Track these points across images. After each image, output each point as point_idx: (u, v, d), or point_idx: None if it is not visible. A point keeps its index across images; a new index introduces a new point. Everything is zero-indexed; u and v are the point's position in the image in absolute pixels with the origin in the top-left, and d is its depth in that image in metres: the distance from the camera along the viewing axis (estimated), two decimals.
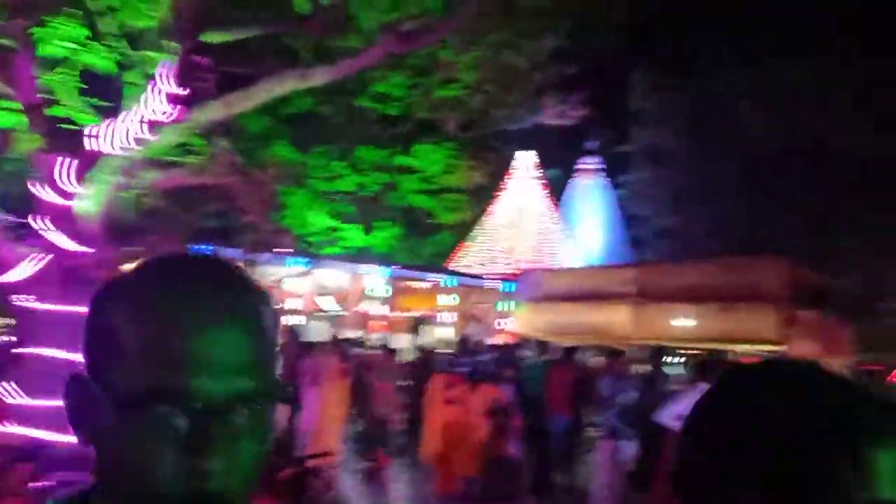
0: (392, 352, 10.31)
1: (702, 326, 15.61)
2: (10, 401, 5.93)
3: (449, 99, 26.22)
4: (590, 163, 28.14)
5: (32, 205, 6.74)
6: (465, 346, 12.37)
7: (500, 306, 20.71)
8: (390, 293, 19.68)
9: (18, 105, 6.37)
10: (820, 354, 13.39)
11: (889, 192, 20.03)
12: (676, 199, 24.87)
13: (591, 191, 27.82)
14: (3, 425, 5.96)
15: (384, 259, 21.78)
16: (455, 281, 20.81)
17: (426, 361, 12.61)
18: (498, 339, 14.50)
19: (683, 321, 15.76)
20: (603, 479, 7.16)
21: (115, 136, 5.53)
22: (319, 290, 20.35)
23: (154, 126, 5.78)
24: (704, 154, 23.97)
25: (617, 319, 16.90)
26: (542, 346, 9.73)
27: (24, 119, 6.33)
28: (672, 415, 5.80)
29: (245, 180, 7.04)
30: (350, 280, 19.75)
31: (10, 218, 6.85)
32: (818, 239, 21.00)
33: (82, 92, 6.76)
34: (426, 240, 25.00)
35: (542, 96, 23.71)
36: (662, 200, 25.53)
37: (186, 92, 5.51)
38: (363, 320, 19.84)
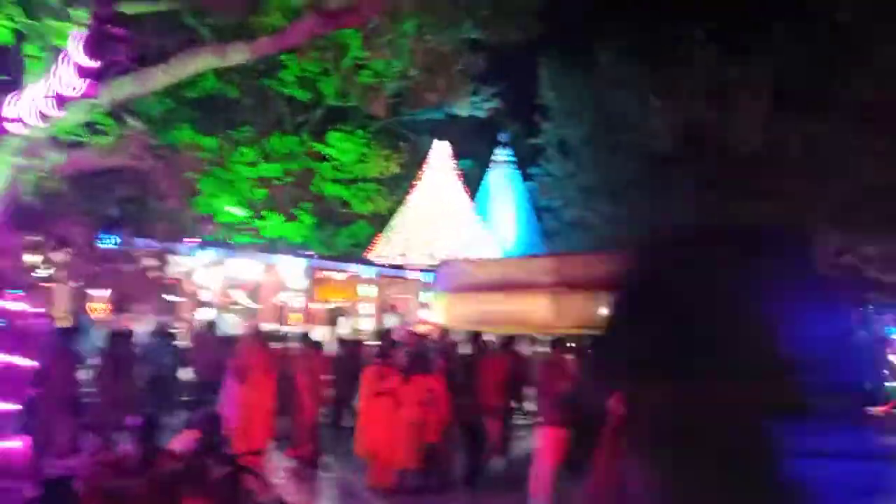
0: (315, 344, 9.97)
1: None
2: None
3: (360, 86, 25.89)
4: (502, 155, 28.41)
5: None
6: (389, 338, 12.17)
7: (420, 297, 20.59)
8: (308, 284, 19.17)
9: None
10: None
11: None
12: (584, 192, 25.46)
13: (504, 183, 28.09)
14: None
15: (300, 249, 21.21)
16: (374, 271, 20.51)
17: (353, 354, 12.36)
18: (419, 330, 14.36)
19: (603, 308, 16.11)
20: (538, 467, 7.16)
21: (17, 112, 4.99)
22: (231, 281, 19.60)
23: (63, 101, 5.26)
24: (610, 148, 24.57)
25: (538, 309, 17.14)
26: (476, 337, 9.64)
27: None
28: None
29: (158, 163, 6.56)
30: (264, 271, 19.11)
31: None
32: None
33: None
34: (341, 230, 24.52)
35: (457, 85, 23.75)
36: (571, 193, 26.08)
37: (98, 65, 5.03)
38: (279, 313, 19.26)
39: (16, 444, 5.94)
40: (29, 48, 6.36)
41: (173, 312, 15.36)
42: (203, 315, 16.17)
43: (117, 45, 4.99)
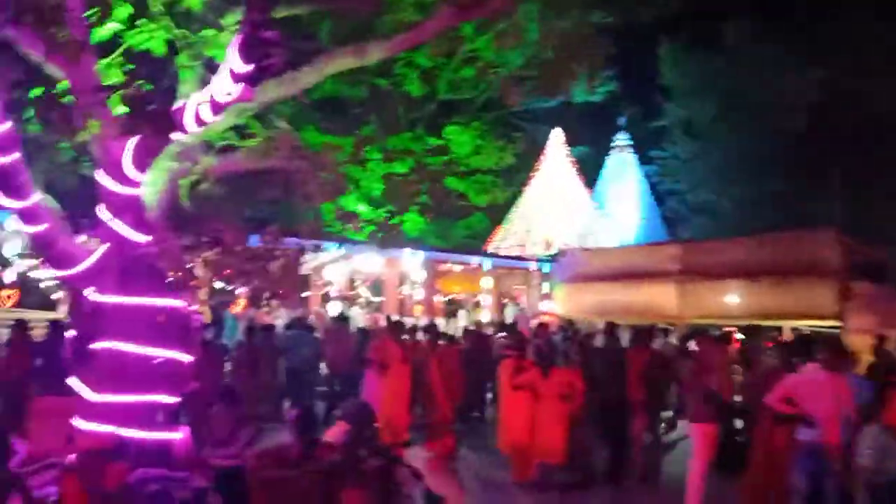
0: (448, 337, 10.00)
1: (753, 302, 15.17)
2: (89, 398, 5.71)
3: (473, 78, 25.83)
4: (621, 139, 27.56)
5: (94, 195, 6.50)
6: (516, 329, 12.05)
7: (540, 287, 20.37)
8: (428, 277, 19.37)
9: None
10: (876, 327, 12.99)
11: None
12: (713, 173, 24.28)
13: (622, 168, 27.27)
14: (82, 423, 5.75)
15: (418, 243, 21.46)
16: (493, 263, 20.46)
17: (480, 346, 12.31)
18: (545, 321, 14.13)
19: (733, 297, 15.32)
20: (688, 464, 6.83)
21: (151, 122, 5.22)
22: (355, 275, 20.13)
23: (219, 107, 5.45)
24: (740, 128, 23.36)
25: (662, 298, 16.52)
26: (611, 328, 9.33)
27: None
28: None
29: (308, 164, 6.71)
30: (386, 265, 19.47)
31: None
32: (860, 212, 20.42)
33: (134, 76, 6.45)
34: (459, 223, 24.64)
35: (580, 71, 23.14)
36: (697, 176, 24.94)
37: (251, 69, 5.17)
38: (401, 305, 19.59)
39: (178, 435, 6.25)
40: (181, 58, 6.66)
41: (305, 307, 15.93)
42: (332, 309, 16.69)
43: (270, 49, 5.10)
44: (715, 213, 24.72)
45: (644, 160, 27.57)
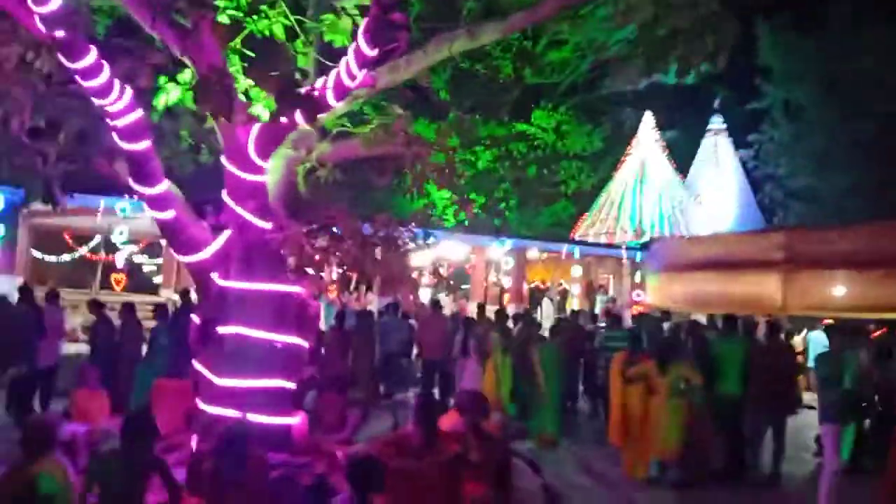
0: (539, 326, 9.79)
1: (864, 294, 14.27)
2: (215, 381, 5.81)
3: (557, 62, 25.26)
4: (716, 122, 26.44)
5: (211, 182, 6.62)
6: (613, 318, 11.71)
7: (630, 276, 19.84)
8: (514, 265, 19.18)
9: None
10: None
11: None
12: (815, 158, 23.00)
13: (717, 152, 26.17)
14: (205, 406, 5.87)
15: (504, 231, 21.26)
16: (581, 251, 20.06)
17: (575, 336, 12.04)
18: (641, 311, 13.73)
19: (842, 289, 14.44)
20: (824, 465, 6.44)
21: (300, 107, 5.18)
22: (441, 263, 20.14)
23: (343, 92, 5.42)
24: (843, 112, 22.05)
25: (765, 288, 15.76)
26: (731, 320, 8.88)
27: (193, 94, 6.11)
28: None
29: (423, 150, 6.62)
30: (472, 252, 19.39)
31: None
32: None
33: (252, 62, 6.50)
34: (544, 210, 24.25)
35: (664, 53, 22.33)
36: (799, 160, 23.68)
37: (377, 53, 5.10)
38: (488, 293, 19.48)
39: (296, 419, 6.31)
40: (298, 44, 6.68)
41: (405, 293, 15.99)
42: (422, 296, 16.73)
43: (398, 33, 5.02)
44: (815, 200, 23.46)
45: (739, 144, 26.40)
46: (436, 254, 19.64)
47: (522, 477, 6.09)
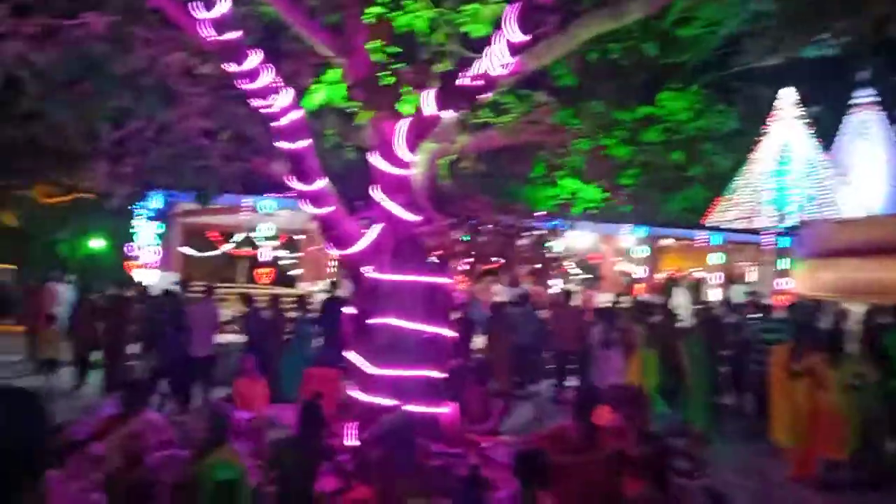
0: (707, 316, 9.33)
1: None
2: (368, 371, 5.94)
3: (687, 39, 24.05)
4: (863, 96, 24.33)
5: (356, 178, 6.77)
6: (764, 308, 11.00)
7: (773, 263, 18.66)
8: (647, 253, 18.51)
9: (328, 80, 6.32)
10: None
11: None
12: None
13: (865, 128, 24.08)
14: (360, 394, 6.02)
15: (633, 217, 20.54)
16: (719, 237, 19.06)
17: (716, 328, 11.43)
18: (796, 300, 12.83)
19: None
20: None
21: (446, 99, 5.16)
22: (572, 252, 19.77)
23: (491, 82, 5.34)
24: None
25: None
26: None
27: (349, 92, 6.24)
28: None
29: (569, 138, 6.47)
30: (602, 241, 18.90)
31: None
32: None
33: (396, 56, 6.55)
34: (676, 195, 23.25)
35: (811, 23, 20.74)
36: None
37: (528, 38, 4.98)
38: (620, 283, 18.94)
39: (446, 410, 6.33)
40: (438, 36, 6.67)
41: (538, 283, 15.84)
42: (553, 287, 16.48)
43: (547, 17, 4.89)
44: None
45: (893, 119, 24.14)
46: (564, 243, 19.29)
47: (680, 475, 5.81)
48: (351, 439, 5.60)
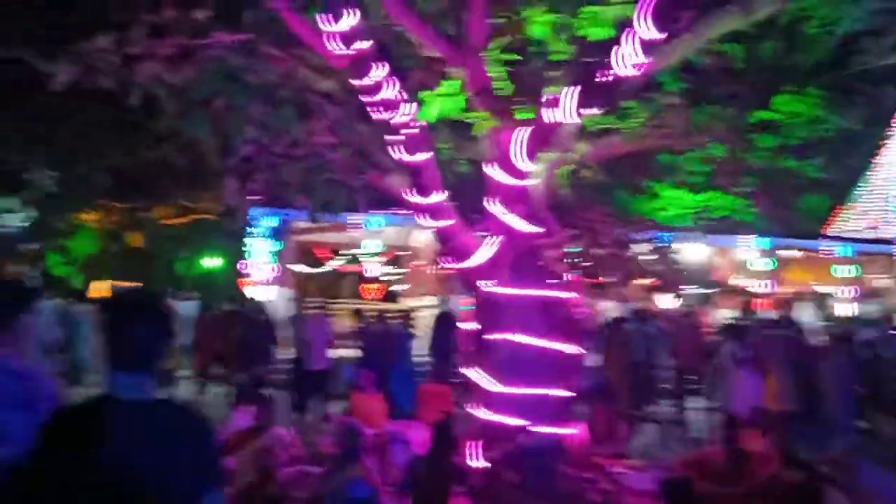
0: (840, 335, 8.62)
1: None
2: (487, 388, 5.76)
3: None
4: None
5: (469, 191, 6.64)
6: None
7: None
8: (766, 266, 17.45)
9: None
10: None
11: None
12: None
13: None
14: (481, 412, 5.84)
15: (748, 228, 19.49)
16: (850, 249, 17.75)
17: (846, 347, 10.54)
18: None
19: None
20: None
21: (588, 97, 4.90)
22: (681, 266, 18.93)
23: (619, 83, 5.06)
24: None
25: None
26: None
27: (466, 104, 6.13)
28: None
29: (696, 143, 6.10)
30: (716, 254, 17.99)
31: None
32: None
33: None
34: (794, 204, 21.93)
35: None
36: None
37: (663, 36, 4.68)
38: (737, 298, 17.92)
39: (575, 430, 6.04)
40: (557, 44, 6.46)
41: (647, 299, 15.30)
42: (663, 301, 15.82)
43: (681, 12, 4.59)
44: None
45: None
46: (680, 256, 18.52)
47: None
48: (477, 459, 5.41)
